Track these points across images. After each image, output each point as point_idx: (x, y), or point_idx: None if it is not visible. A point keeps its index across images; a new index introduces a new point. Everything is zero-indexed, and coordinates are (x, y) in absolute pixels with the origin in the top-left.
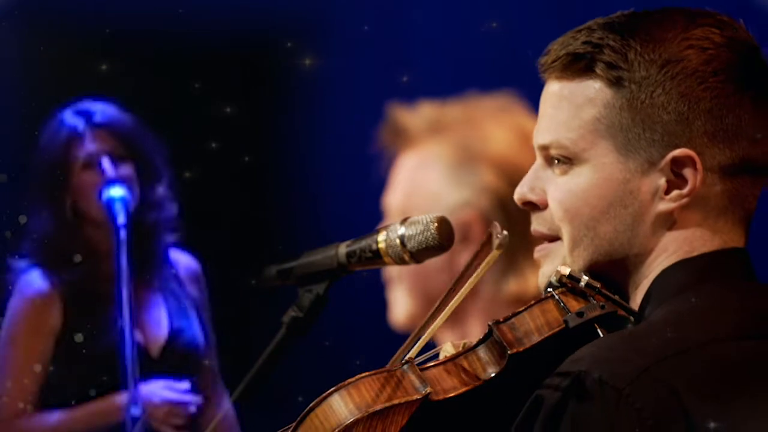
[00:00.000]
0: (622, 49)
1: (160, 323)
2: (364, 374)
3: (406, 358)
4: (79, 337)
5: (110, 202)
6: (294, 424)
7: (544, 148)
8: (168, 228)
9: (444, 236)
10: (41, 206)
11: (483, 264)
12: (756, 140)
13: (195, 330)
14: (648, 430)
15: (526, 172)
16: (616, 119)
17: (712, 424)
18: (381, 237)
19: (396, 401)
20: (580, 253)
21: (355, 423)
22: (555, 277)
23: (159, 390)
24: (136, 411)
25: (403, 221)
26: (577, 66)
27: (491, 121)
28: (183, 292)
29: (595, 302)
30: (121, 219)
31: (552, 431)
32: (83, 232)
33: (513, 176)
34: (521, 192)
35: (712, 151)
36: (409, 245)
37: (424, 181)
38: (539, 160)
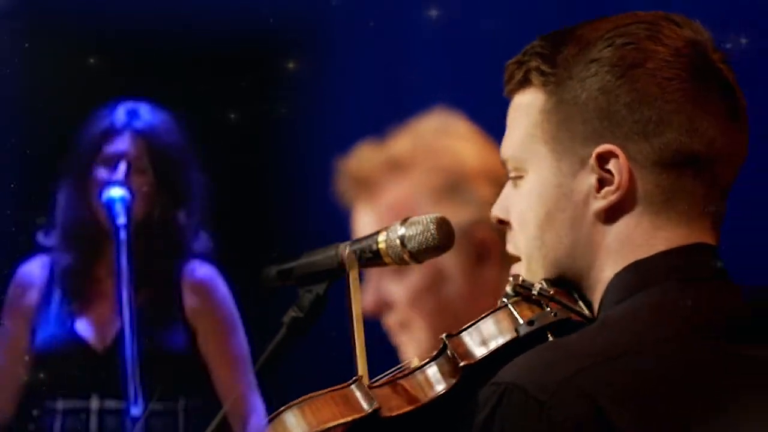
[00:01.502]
0: (551, 54)
1: (113, 321)
2: (315, 393)
3: (356, 376)
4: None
5: (110, 203)
6: None
7: (503, 165)
8: (181, 254)
9: (444, 236)
10: (65, 189)
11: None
12: (686, 132)
13: (163, 336)
14: None
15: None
16: (547, 123)
17: None
18: (381, 237)
19: (342, 420)
20: (535, 267)
21: None
22: (510, 287)
23: None
24: (136, 411)
25: (404, 221)
26: (517, 78)
27: (449, 139)
28: (172, 300)
29: (548, 310)
30: (122, 219)
31: None
32: (95, 225)
33: (500, 180)
34: (492, 212)
35: (637, 145)
36: (410, 245)
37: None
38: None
